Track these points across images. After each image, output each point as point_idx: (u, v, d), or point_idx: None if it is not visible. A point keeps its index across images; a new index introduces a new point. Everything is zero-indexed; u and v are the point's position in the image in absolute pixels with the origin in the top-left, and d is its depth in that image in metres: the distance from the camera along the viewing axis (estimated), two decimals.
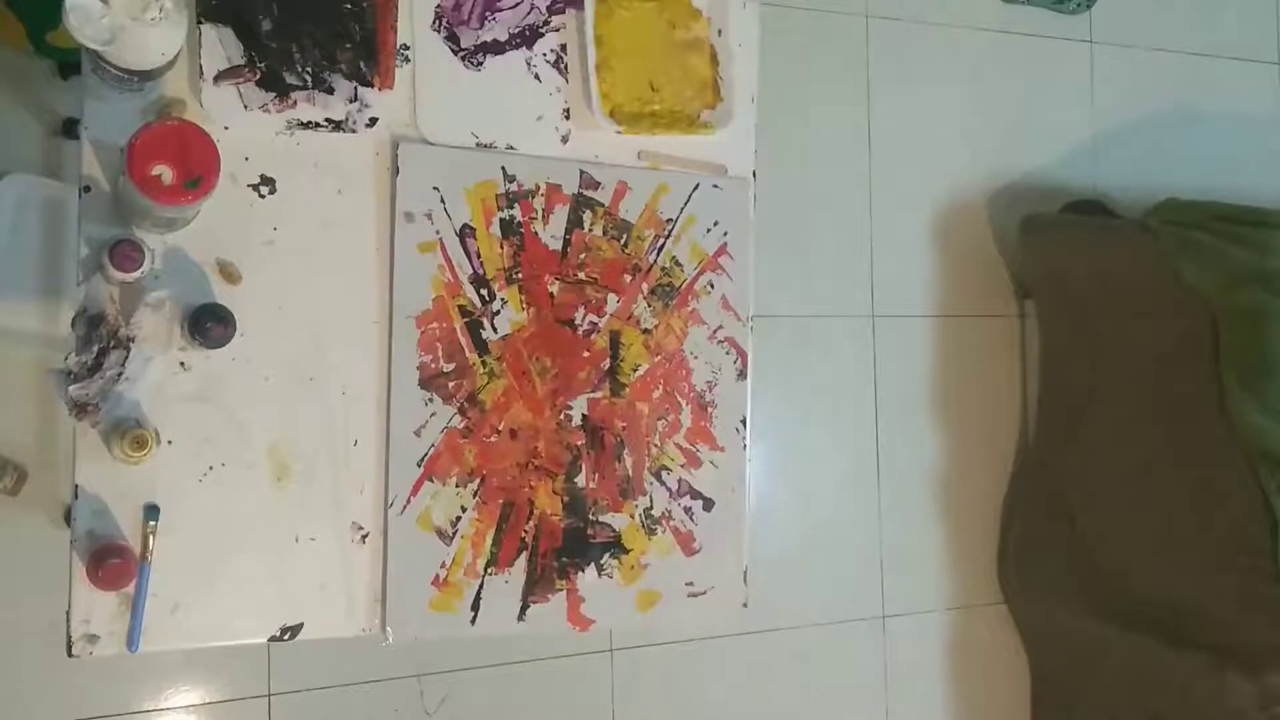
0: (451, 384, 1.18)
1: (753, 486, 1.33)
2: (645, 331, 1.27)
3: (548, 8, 1.23)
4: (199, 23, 1.06)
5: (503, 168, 1.20)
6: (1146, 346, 1.91)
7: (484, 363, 1.19)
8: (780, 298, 2.08)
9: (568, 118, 1.23)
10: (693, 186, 1.29)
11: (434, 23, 1.18)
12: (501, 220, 1.20)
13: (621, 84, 1.25)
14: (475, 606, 1.18)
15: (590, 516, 1.24)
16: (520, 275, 1.21)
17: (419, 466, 1.16)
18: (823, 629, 2.10)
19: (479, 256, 1.19)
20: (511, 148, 1.21)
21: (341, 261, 1.14)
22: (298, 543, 1.11)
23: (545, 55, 1.23)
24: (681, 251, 1.29)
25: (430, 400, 1.16)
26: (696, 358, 1.29)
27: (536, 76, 1.22)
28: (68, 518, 1.06)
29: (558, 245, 1.23)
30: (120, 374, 1.02)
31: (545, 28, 1.23)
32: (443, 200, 1.17)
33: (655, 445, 1.27)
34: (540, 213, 1.22)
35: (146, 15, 0.93)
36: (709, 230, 1.30)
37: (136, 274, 1.02)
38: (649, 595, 1.26)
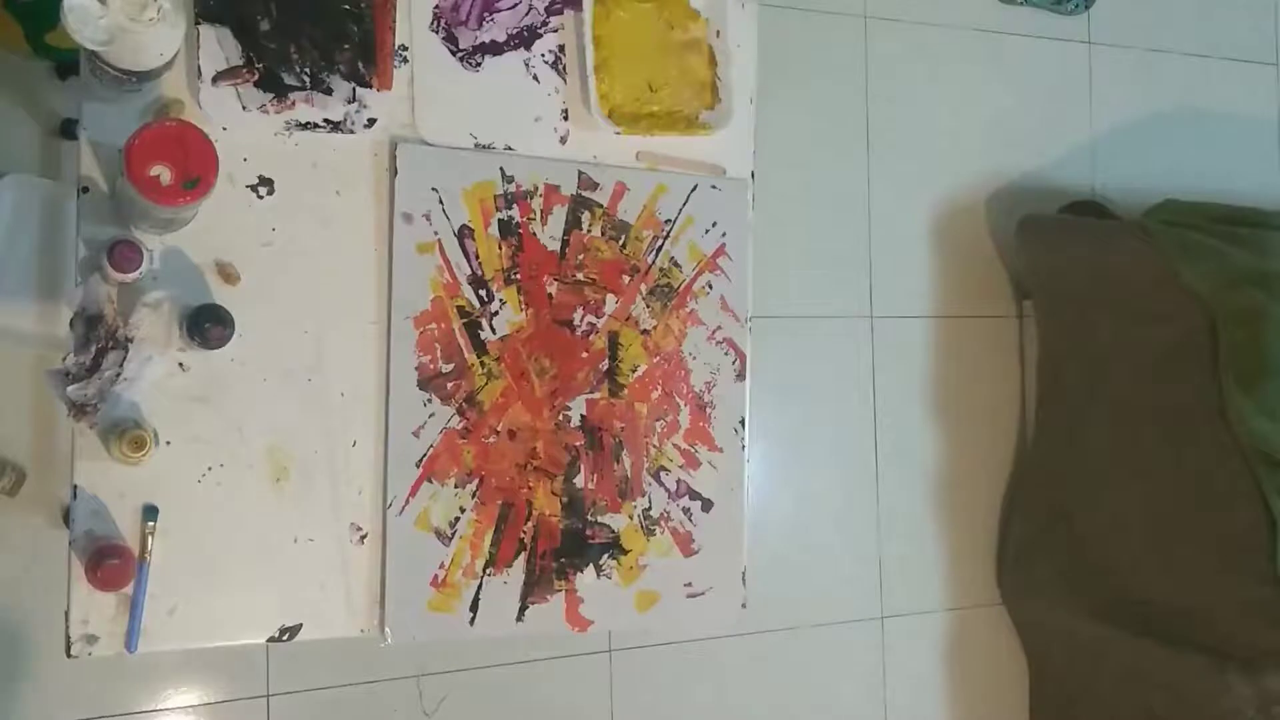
0: (450, 385, 1.18)
1: (751, 487, 1.33)
2: (644, 332, 1.27)
3: (546, 8, 1.23)
4: (197, 23, 1.06)
5: (501, 168, 1.20)
6: (1145, 348, 1.91)
7: (482, 363, 1.19)
8: (779, 299, 2.08)
9: (566, 118, 1.23)
10: (691, 187, 1.29)
11: (432, 23, 1.18)
12: (500, 221, 1.20)
13: (620, 85, 1.25)
14: (474, 607, 1.18)
15: (589, 517, 1.24)
16: (519, 276, 1.21)
17: (417, 467, 1.16)
18: (822, 629, 2.10)
19: (477, 257, 1.19)
20: (510, 148, 1.21)
21: (340, 262, 1.14)
22: (296, 543, 1.11)
23: (543, 56, 1.23)
24: (680, 252, 1.29)
25: (429, 401, 1.16)
26: (695, 358, 1.29)
27: (535, 77, 1.22)
28: (66, 518, 1.05)
29: (556, 246, 1.23)
30: (118, 374, 1.02)
31: (543, 28, 1.23)
32: (441, 201, 1.17)
33: (654, 446, 1.27)
34: (539, 213, 1.22)
35: (144, 16, 0.93)
36: (707, 231, 1.30)
37: (135, 275, 1.02)
38: (648, 596, 1.26)
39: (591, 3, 1.23)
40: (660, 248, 1.28)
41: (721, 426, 1.31)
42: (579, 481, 1.24)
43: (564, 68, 1.24)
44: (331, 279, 1.13)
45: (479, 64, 1.20)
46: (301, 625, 1.11)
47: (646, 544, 1.26)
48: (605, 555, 1.24)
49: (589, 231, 1.24)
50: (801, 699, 2.07)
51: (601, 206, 1.25)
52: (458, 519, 1.18)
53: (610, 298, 1.25)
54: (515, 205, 1.21)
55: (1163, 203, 2.08)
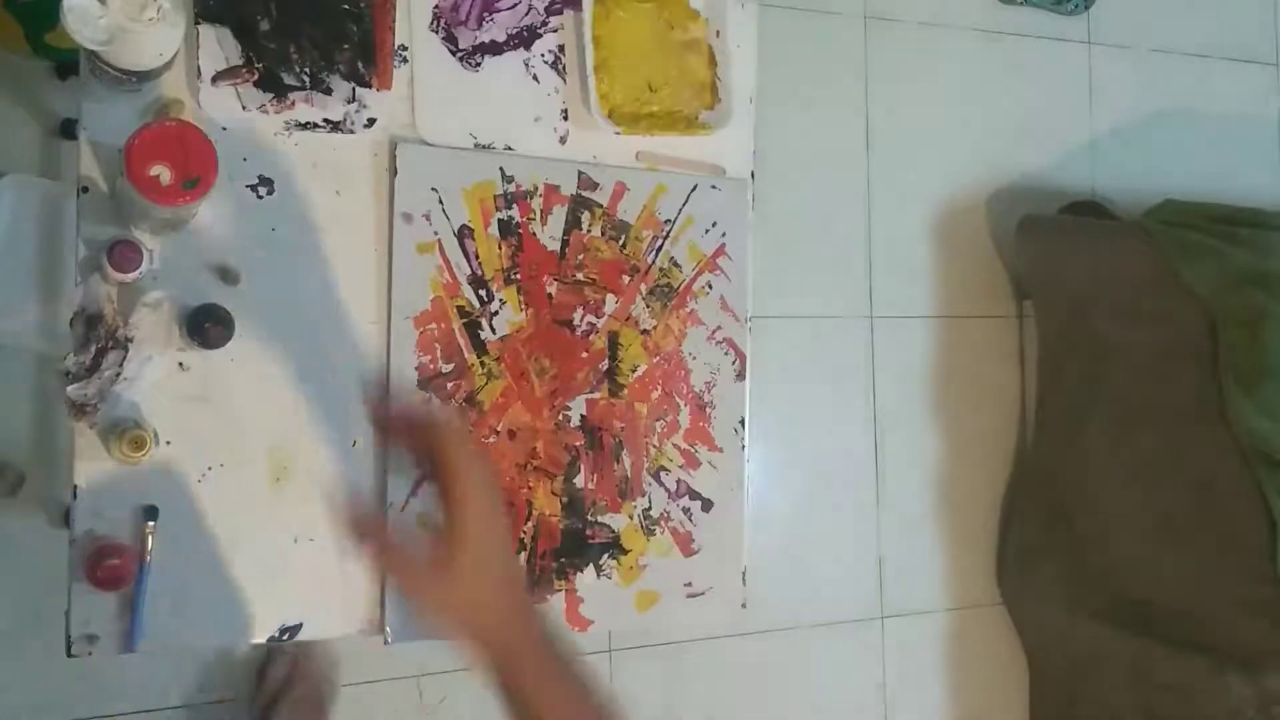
0: (450, 385, 1.18)
1: (751, 487, 1.33)
2: (644, 332, 1.27)
3: (545, 8, 1.23)
4: (197, 23, 1.06)
5: (501, 168, 1.20)
6: (1145, 348, 1.91)
7: (482, 363, 1.19)
8: (779, 299, 2.08)
9: (566, 118, 1.23)
10: (691, 187, 1.29)
11: (432, 23, 1.18)
12: (500, 221, 1.20)
13: (620, 85, 1.25)
14: None
15: (589, 517, 1.24)
16: (519, 276, 1.21)
17: (418, 467, 1.16)
18: (822, 629, 2.11)
19: (477, 257, 1.19)
20: (510, 148, 1.21)
21: (340, 262, 1.14)
22: (296, 543, 1.11)
23: (543, 56, 1.23)
24: (680, 252, 1.29)
25: (429, 401, 1.16)
26: (695, 358, 1.29)
27: (535, 77, 1.22)
28: (66, 518, 1.05)
29: (556, 246, 1.23)
30: (118, 374, 1.02)
31: (543, 28, 1.23)
32: (441, 201, 1.17)
33: (654, 446, 1.27)
34: (538, 213, 1.22)
35: (144, 16, 0.93)
36: (707, 231, 1.30)
37: (135, 274, 1.02)
38: (648, 596, 1.26)
39: (591, 3, 1.23)
40: (660, 248, 1.28)
41: (721, 426, 1.30)
42: (579, 481, 1.24)
43: (564, 68, 1.24)
44: (331, 279, 1.13)
45: (479, 64, 1.20)
46: (302, 625, 1.11)
47: (646, 544, 1.26)
48: (605, 555, 1.24)
49: (589, 231, 1.24)
50: (801, 699, 2.07)
51: (601, 206, 1.25)
52: None
53: (610, 298, 1.25)
54: (515, 205, 1.21)
55: (1163, 203, 2.08)
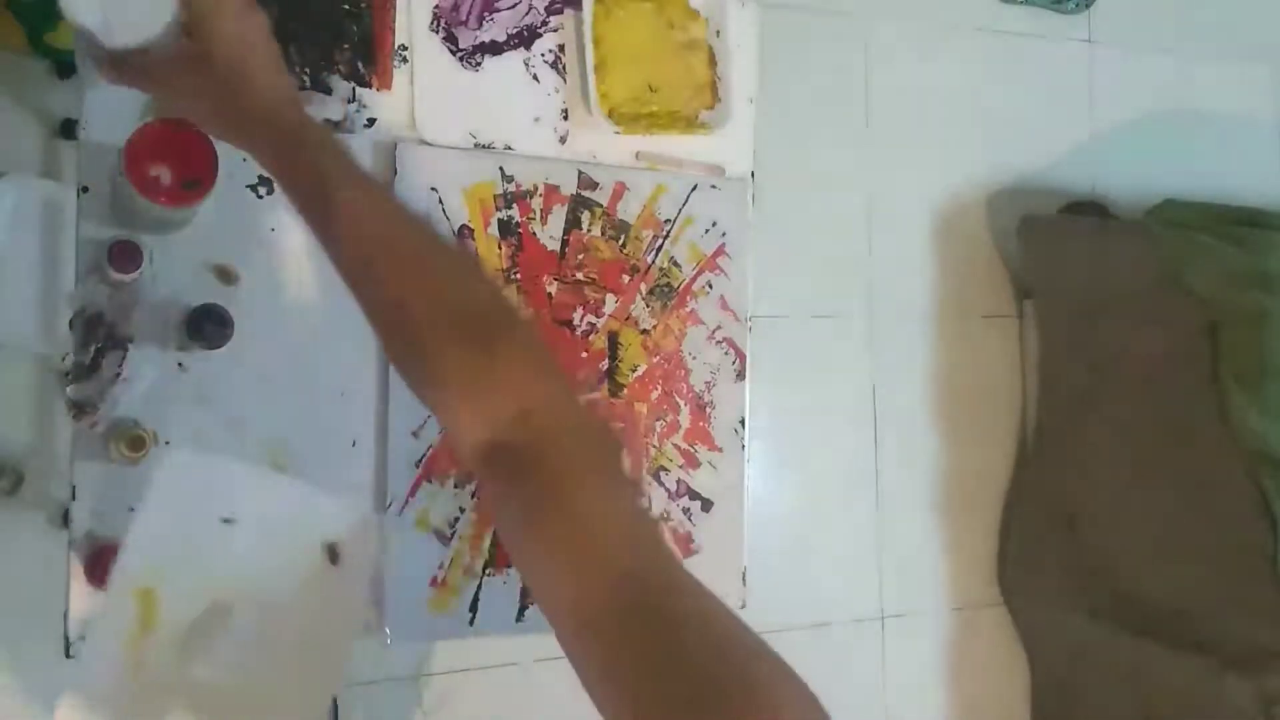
0: None
1: (751, 487, 1.33)
2: (643, 332, 1.27)
3: (546, 8, 1.23)
4: None
5: (500, 168, 1.20)
6: (1146, 348, 1.91)
7: None
8: (779, 298, 2.08)
9: (566, 118, 1.23)
10: (691, 187, 1.29)
11: (432, 23, 1.18)
12: (499, 221, 1.20)
13: (620, 84, 1.25)
14: (474, 607, 1.18)
15: None
16: (518, 276, 1.21)
17: (417, 467, 1.16)
18: (822, 629, 2.10)
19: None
20: (509, 148, 1.21)
21: None
22: None
23: (543, 55, 1.23)
24: (680, 252, 1.28)
25: None
26: (695, 358, 1.29)
27: (535, 77, 1.22)
28: (66, 518, 1.05)
29: (556, 246, 1.23)
30: (118, 374, 1.02)
31: (543, 28, 1.23)
32: (441, 201, 1.17)
33: (653, 446, 1.27)
34: (538, 213, 1.22)
35: None
36: (707, 231, 1.30)
37: (134, 274, 1.02)
38: None
39: (591, 2, 1.23)
40: (660, 247, 1.28)
41: (721, 426, 1.30)
42: None
43: (564, 67, 1.24)
44: (330, 279, 1.12)
45: (479, 64, 1.20)
46: None
47: None
48: None
49: (589, 231, 1.24)
50: None
51: (601, 206, 1.25)
52: (457, 519, 1.18)
53: (610, 298, 1.25)
54: (515, 205, 1.21)
55: (1163, 203, 2.08)
